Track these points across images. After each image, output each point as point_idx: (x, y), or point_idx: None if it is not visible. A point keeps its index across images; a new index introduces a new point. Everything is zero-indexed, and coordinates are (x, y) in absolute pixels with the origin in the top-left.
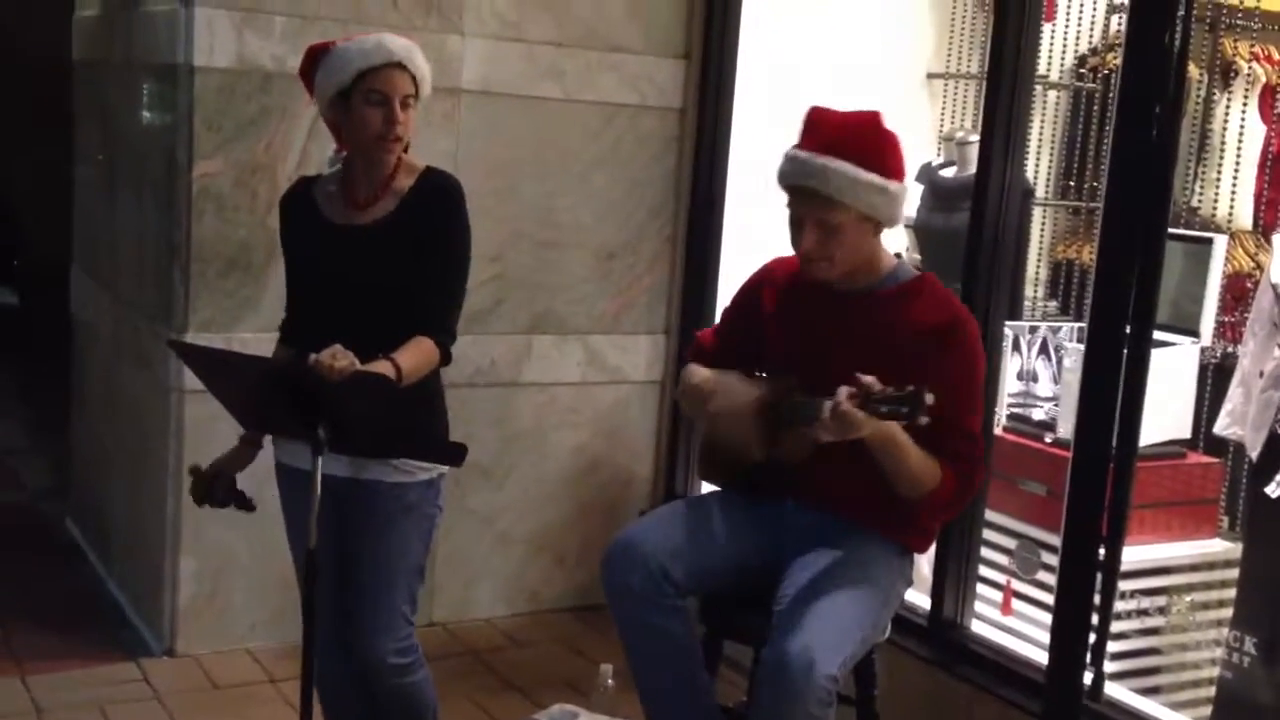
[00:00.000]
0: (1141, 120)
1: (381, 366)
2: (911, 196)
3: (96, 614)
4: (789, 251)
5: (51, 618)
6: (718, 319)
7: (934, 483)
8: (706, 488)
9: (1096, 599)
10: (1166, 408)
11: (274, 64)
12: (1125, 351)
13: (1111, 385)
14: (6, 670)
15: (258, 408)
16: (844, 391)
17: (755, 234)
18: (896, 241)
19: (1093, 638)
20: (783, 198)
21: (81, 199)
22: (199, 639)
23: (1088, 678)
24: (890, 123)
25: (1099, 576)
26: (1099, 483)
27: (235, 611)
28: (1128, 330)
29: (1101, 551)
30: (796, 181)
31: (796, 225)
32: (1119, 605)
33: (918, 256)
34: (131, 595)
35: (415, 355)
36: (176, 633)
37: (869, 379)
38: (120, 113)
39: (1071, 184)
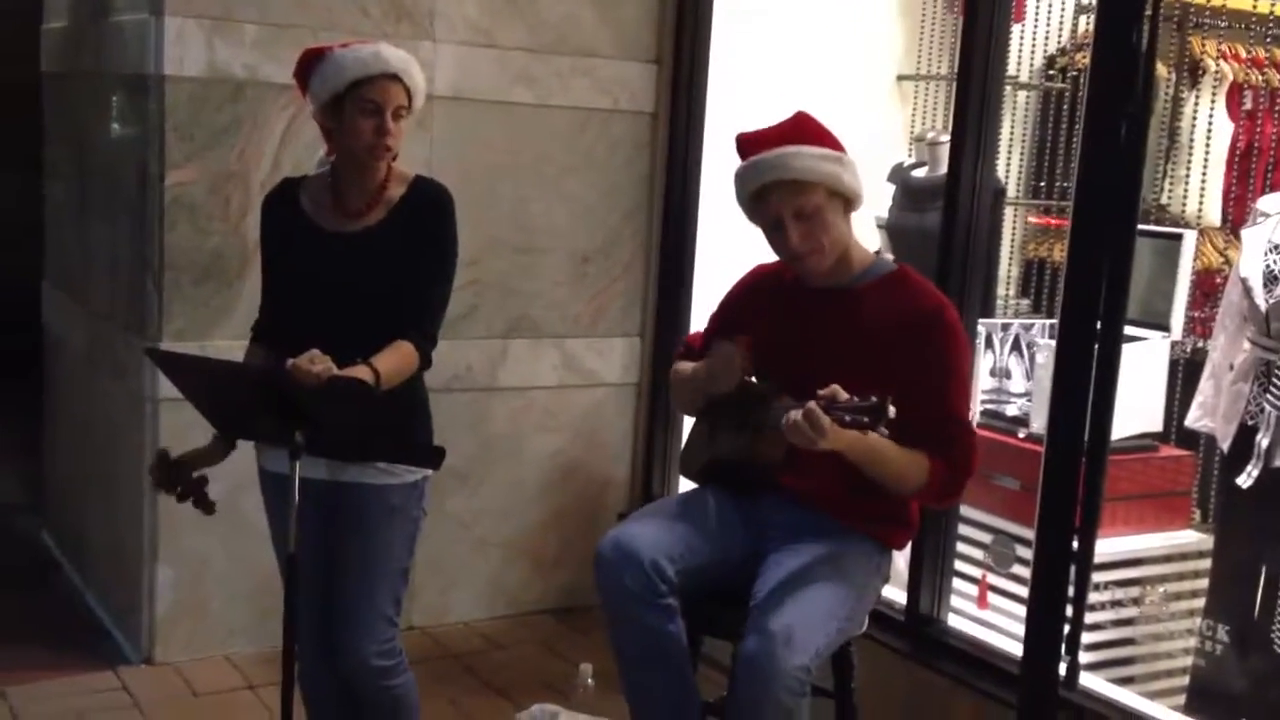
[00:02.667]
0: (1110, 118)
1: (359, 371)
2: (883, 197)
3: (74, 625)
4: (768, 256)
5: (29, 629)
6: (694, 321)
7: (921, 477)
8: (684, 486)
9: (1070, 590)
10: (1138, 401)
11: (245, 72)
12: (1096, 346)
13: (1083, 380)
14: None
15: (235, 413)
16: (813, 403)
17: (729, 236)
18: (870, 243)
19: (1067, 628)
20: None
21: (52, 211)
22: (177, 647)
23: (1063, 668)
24: (860, 123)
25: (1073, 568)
26: (1072, 476)
27: (213, 619)
28: (1098, 326)
29: (1075, 543)
30: (762, 180)
31: (776, 227)
32: (1093, 596)
33: (890, 256)
34: (109, 605)
35: (394, 359)
36: (155, 641)
37: (833, 388)
38: (91, 124)
39: (1042, 184)
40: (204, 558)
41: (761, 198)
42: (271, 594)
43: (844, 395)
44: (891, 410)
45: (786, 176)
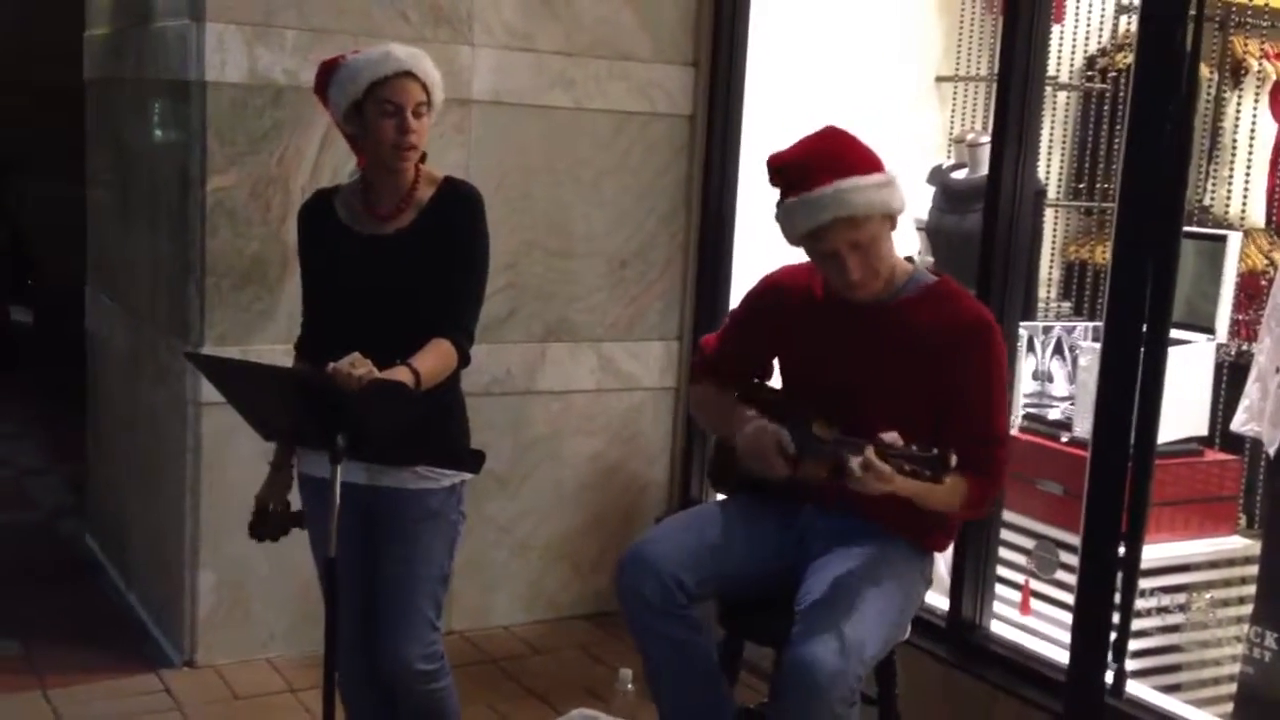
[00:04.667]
0: (1154, 120)
1: (400, 373)
2: (922, 199)
3: (117, 628)
4: (800, 256)
5: (72, 632)
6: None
7: (960, 498)
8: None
9: (1117, 597)
10: (1183, 405)
11: (285, 78)
12: (1142, 349)
13: (1129, 383)
14: (28, 685)
15: (276, 418)
16: (871, 449)
17: (766, 239)
18: (909, 245)
19: (1114, 635)
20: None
21: (95, 216)
22: (219, 650)
23: (1109, 676)
24: (899, 125)
25: (1119, 574)
26: (1118, 481)
27: (255, 622)
28: (1144, 329)
29: (1121, 549)
30: (816, 223)
31: (832, 258)
32: (1139, 603)
33: (930, 259)
34: (151, 608)
35: (433, 358)
36: (197, 644)
37: (891, 436)
38: (133, 130)
39: (1083, 185)
40: (246, 561)
41: (817, 235)
42: (312, 598)
43: (900, 442)
44: (953, 460)
45: (845, 214)
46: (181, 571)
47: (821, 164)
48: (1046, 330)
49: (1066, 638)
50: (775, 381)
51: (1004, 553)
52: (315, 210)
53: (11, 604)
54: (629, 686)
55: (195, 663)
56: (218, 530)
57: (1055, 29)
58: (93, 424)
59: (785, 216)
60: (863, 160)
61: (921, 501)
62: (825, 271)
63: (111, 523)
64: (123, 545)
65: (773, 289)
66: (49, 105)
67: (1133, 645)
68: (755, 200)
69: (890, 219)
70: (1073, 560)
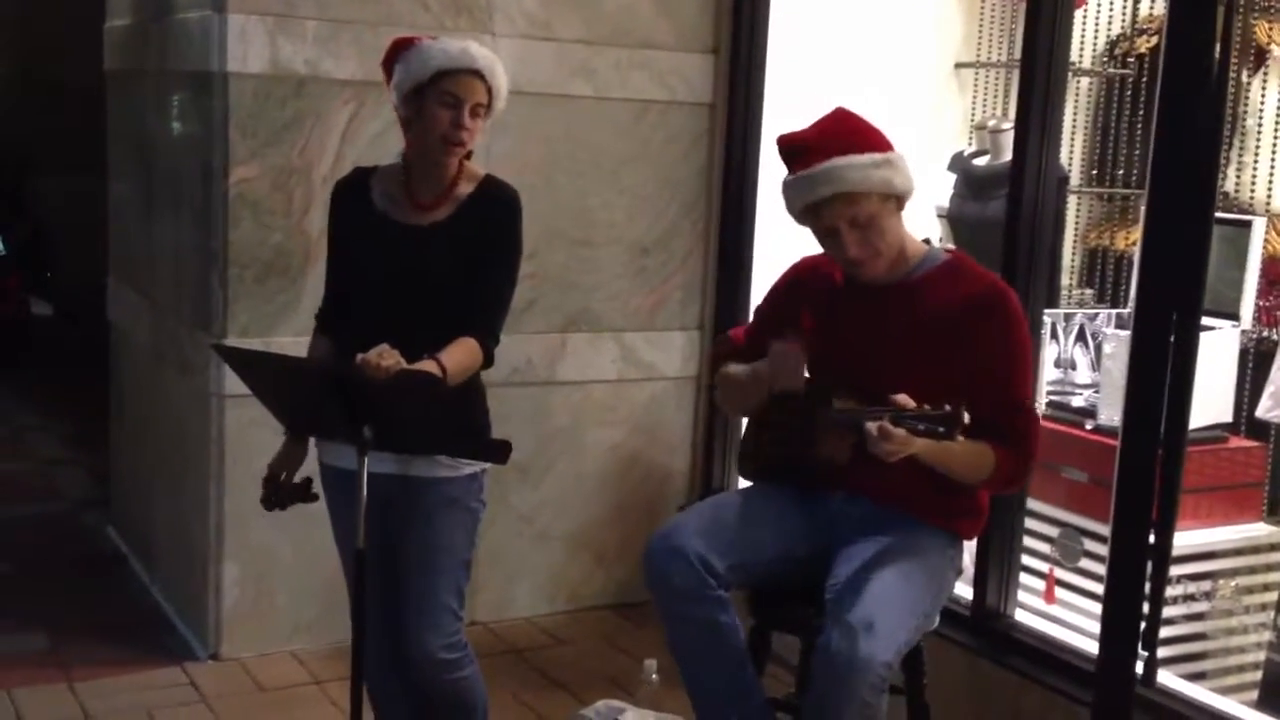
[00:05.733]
0: (1184, 105)
1: (428, 366)
2: (944, 186)
3: (141, 620)
4: (819, 248)
5: (97, 625)
6: (750, 316)
7: (988, 468)
8: (744, 481)
9: (1147, 586)
10: (1208, 392)
11: (307, 68)
12: (1172, 336)
13: (1159, 372)
14: (54, 678)
15: (303, 409)
16: (885, 419)
17: (788, 228)
18: (931, 233)
19: (1144, 624)
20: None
21: (117, 208)
22: (244, 642)
23: (1139, 665)
24: (919, 112)
25: (1150, 563)
26: (1148, 469)
27: (279, 614)
28: (1174, 316)
29: (1152, 537)
30: (813, 198)
31: (831, 236)
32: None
33: (952, 246)
34: (175, 601)
35: (461, 355)
36: (221, 637)
37: (901, 398)
38: (154, 121)
39: (1104, 172)
40: (270, 553)
41: (814, 211)
42: (337, 589)
43: (912, 404)
44: (966, 417)
45: (841, 189)
46: (205, 564)
47: (823, 142)
48: (1069, 318)
49: (1092, 627)
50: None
51: (1028, 541)
52: (350, 188)
53: (37, 597)
54: (654, 677)
55: (220, 655)
56: (241, 522)
57: (1077, 14)
58: (115, 416)
59: (786, 191)
60: (865, 140)
61: (947, 469)
62: (826, 249)
63: (135, 515)
64: (146, 538)
65: (794, 279)
66: (69, 101)
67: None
68: (777, 188)
69: (893, 199)
70: (1096, 548)
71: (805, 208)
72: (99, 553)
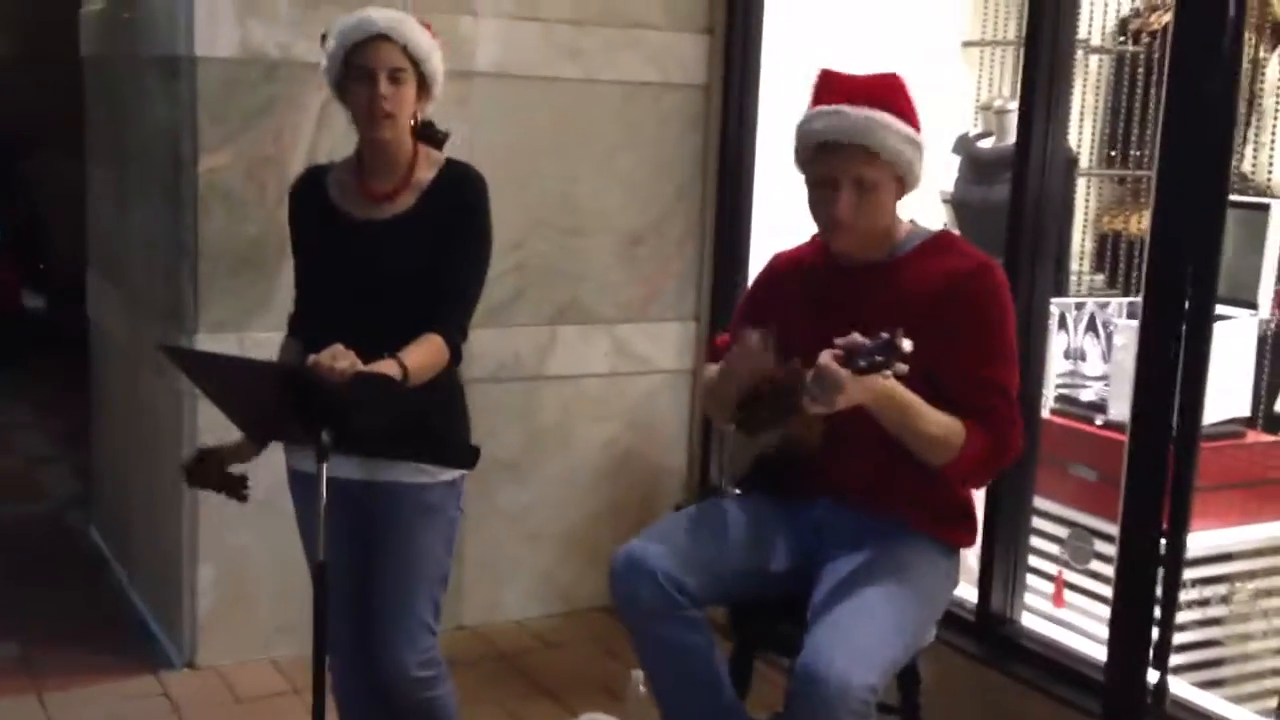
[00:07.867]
0: (1196, 84)
1: (386, 366)
2: (948, 170)
3: (118, 626)
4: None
5: (73, 631)
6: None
7: (956, 444)
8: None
9: (1158, 592)
10: (1224, 385)
11: (279, 51)
12: (1185, 326)
13: (1170, 362)
14: (23, 688)
15: (258, 413)
16: (825, 354)
17: (786, 213)
18: (934, 219)
19: (1156, 636)
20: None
21: (94, 199)
22: (220, 649)
23: (1151, 675)
24: (924, 93)
25: (1160, 569)
26: (1159, 467)
27: (258, 619)
28: (1186, 305)
29: (1163, 542)
30: (834, 137)
31: (829, 186)
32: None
33: (956, 232)
34: (152, 605)
35: (423, 354)
36: (197, 643)
37: (851, 336)
38: (128, 108)
39: (1116, 153)
40: (247, 555)
41: (827, 153)
42: None
43: (860, 340)
44: (907, 344)
45: (867, 142)
46: (180, 566)
47: (871, 92)
48: (1079, 306)
49: (1104, 632)
50: None
51: (1036, 541)
52: (305, 188)
53: (13, 601)
54: (641, 689)
55: (196, 663)
56: (218, 524)
57: None
58: (95, 414)
59: (806, 121)
60: (904, 104)
61: (906, 432)
62: (813, 203)
63: (115, 516)
64: (125, 539)
65: (771, 271)
66: (67, 82)
67: (1173, 641)
68: (774, 172)
69: (901, 181)
70: (1107, 549)
71: (820, 145)
72: (79, 554)
